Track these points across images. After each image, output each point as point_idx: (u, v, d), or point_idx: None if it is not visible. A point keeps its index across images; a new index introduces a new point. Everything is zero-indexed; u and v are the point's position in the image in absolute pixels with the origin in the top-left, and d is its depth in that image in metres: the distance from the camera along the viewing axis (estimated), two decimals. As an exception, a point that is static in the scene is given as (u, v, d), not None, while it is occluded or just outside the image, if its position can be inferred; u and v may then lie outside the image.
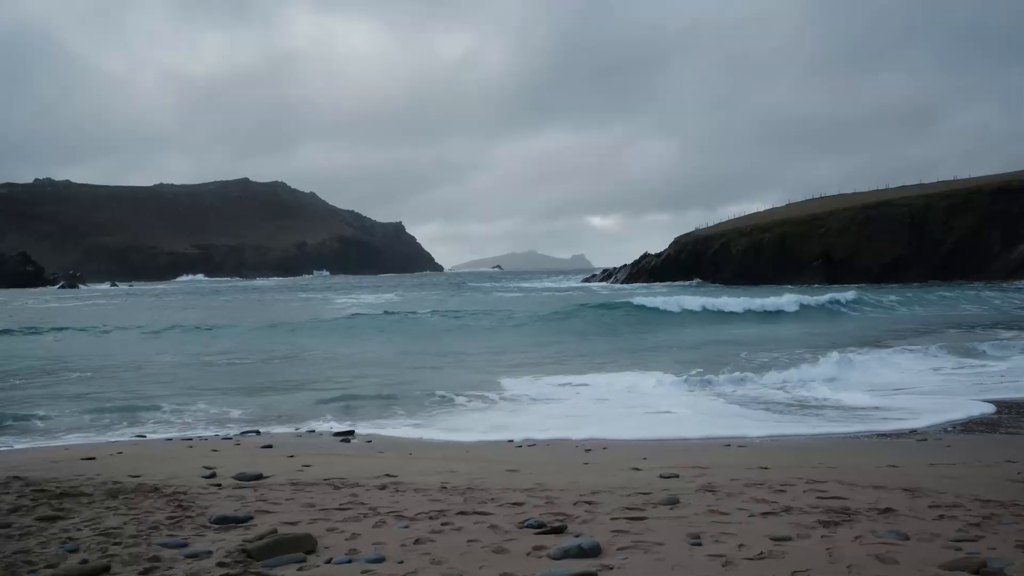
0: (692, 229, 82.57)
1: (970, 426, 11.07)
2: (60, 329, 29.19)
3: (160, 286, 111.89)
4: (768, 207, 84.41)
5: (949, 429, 10.88)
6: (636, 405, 13.34)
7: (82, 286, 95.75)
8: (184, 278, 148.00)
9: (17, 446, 10.54)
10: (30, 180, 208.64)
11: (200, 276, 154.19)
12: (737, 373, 16.18)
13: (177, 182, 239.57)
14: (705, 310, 34.67)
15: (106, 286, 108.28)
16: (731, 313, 34.20)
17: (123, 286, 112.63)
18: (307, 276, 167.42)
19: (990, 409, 12.16)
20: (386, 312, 36.53)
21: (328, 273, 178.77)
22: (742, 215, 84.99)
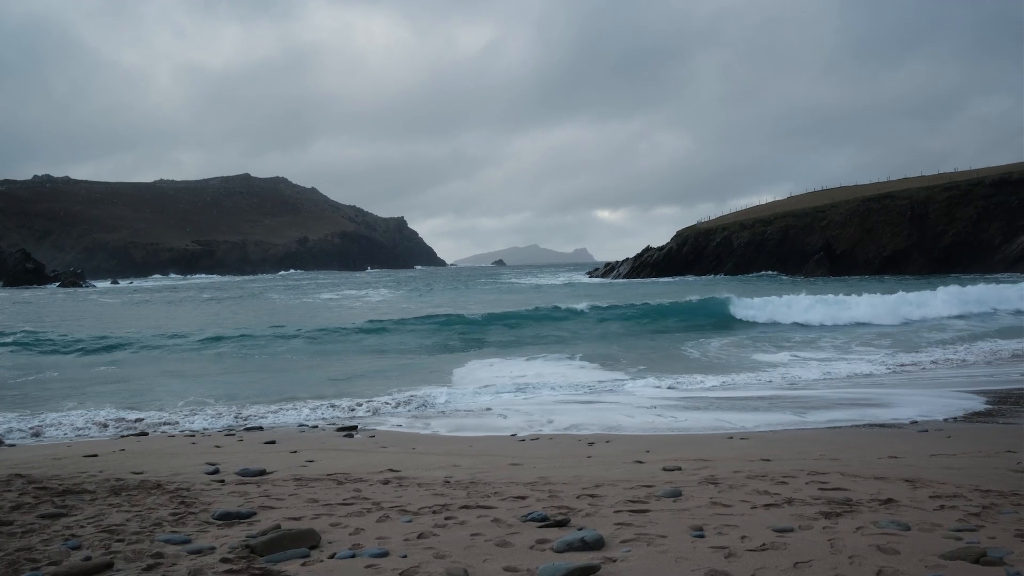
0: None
1: (970, 416, 11.08)
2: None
3: (143, 283, 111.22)
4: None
5: (949, 419, 10.90)
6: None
7: (82, 284, 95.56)
8: (156, 276, 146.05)
9: (20, 443, 10.56)
10: (29, 177, 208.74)
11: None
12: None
13: (194, 178, 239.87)
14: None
15: (107, 283, 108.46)
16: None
17: (124, 283, 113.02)
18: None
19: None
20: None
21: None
22: (745, 208, 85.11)
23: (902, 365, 17.40)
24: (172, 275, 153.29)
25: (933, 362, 17.64)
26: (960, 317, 29.03)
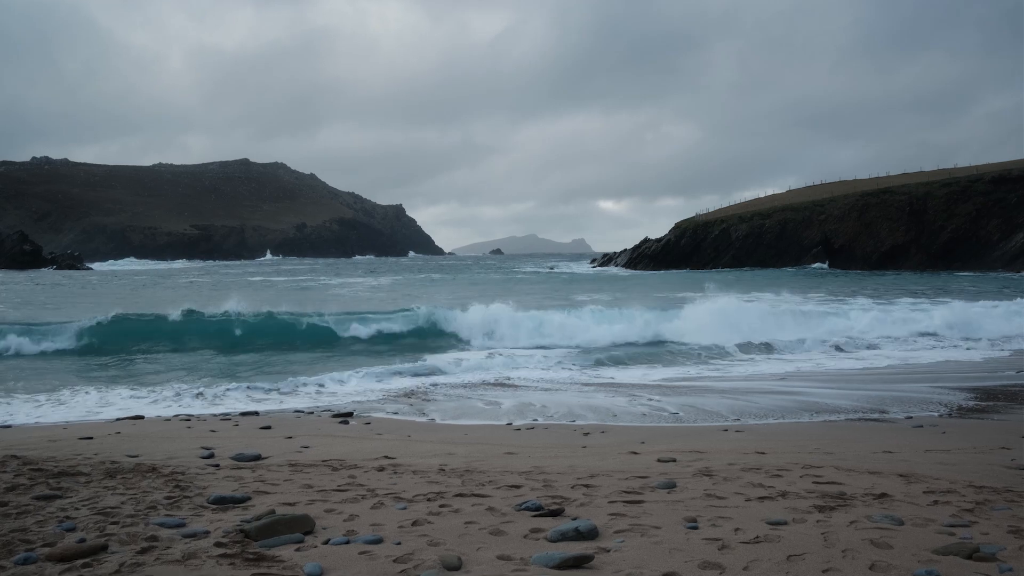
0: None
1: (964, 412, 11.11)
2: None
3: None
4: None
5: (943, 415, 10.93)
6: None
7: (79, 266, 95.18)
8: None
9: (15, 425, 10.56)
10: (27, 158, 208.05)
11: (169, 259, 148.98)
12: None
13: (199, 162, 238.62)
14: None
15: (101, 265, 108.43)
16: None
17: (120, 263, 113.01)
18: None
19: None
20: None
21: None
22: (744, 201, 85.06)
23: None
24: (169, 259, 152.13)
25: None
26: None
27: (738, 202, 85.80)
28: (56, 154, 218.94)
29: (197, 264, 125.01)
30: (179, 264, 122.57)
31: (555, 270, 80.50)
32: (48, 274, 75.03)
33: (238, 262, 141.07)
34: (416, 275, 68.63)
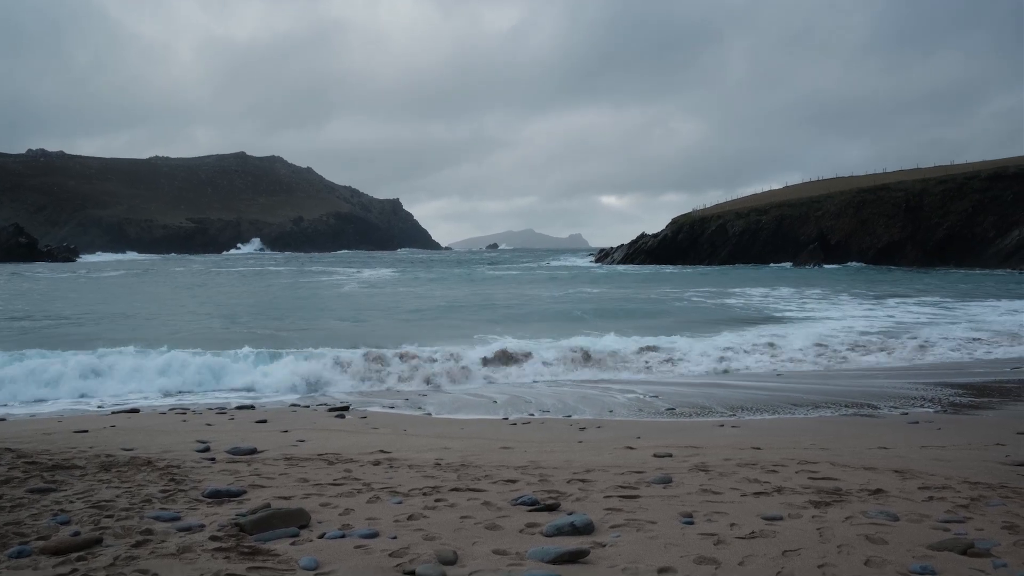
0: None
1: (960, 408, 11.13)
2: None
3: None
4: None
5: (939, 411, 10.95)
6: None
7: (74, 259, 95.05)
8: (100, 254, 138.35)
9: (11, 417, 10.54)
10: (23, 151, 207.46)
11: (100, 252, 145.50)
12: None
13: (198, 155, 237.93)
14: None
15: (103, 259, 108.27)
16: None
17: (101, 256, 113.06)
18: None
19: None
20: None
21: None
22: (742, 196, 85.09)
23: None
24: (165, 252, 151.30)
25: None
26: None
27: (736, 198, 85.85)
28: (63, 146, 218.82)
29: (182, 257, 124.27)
30: (158, 258, 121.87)
31: (552, 264, 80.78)
32: (33, 267, 74.57)
33: (210, 256, 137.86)
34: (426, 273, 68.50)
